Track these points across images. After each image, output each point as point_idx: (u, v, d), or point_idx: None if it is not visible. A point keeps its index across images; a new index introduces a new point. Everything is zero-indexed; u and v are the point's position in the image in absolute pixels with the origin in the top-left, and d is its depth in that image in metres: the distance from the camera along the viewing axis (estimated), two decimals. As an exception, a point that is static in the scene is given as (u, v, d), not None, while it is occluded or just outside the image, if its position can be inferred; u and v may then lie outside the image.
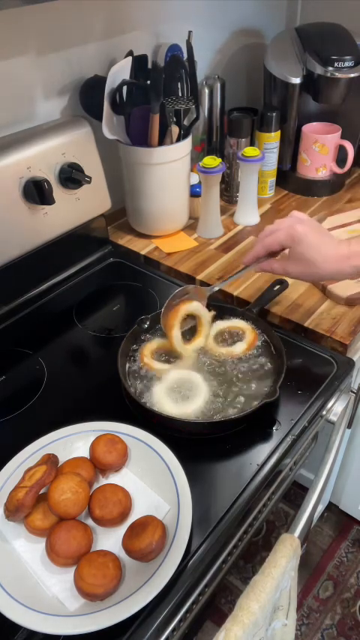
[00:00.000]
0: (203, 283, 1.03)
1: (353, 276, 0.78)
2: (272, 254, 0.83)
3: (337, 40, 1.16)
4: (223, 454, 0.73)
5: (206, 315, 0.87)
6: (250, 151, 1.09)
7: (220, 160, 1.05)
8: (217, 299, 0.99)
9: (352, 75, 1.13)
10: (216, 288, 0.89)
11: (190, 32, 1.03)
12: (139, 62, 1.02)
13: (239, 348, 0.84)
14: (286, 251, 0.82)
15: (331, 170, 1.27)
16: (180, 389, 0.79)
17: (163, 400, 0.77)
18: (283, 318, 0.93)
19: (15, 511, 0.61)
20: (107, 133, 0.99)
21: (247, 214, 1.19)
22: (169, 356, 0.85)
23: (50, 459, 0.66)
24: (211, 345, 0.86)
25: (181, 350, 0.83)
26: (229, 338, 0.87)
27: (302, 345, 0.88)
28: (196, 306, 0.86)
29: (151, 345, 0.86)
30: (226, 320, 0.89)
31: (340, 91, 1.17)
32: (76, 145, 0.97)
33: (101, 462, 0.68)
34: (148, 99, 0.97)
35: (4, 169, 0.87)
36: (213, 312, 0.88)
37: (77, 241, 1.07)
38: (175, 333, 0.83)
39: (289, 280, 0.97)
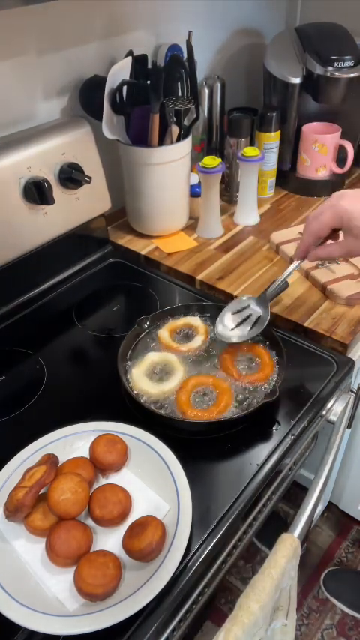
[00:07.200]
0: (203, 283, 1.03)
1: None
2: (324, 240, 0.77)
3: (337, 40, 1.16)
4: (223, 454, 0.73)
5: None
6: (250, 151, 1.09)
7: (220, 160, 1.05)
8: (220, 300, 0.99)
9: (352, 75, 1.13)
10: (271, 290, 0.85)
11: (190, 32, 1.03)
12: (139, 62, 1.01)
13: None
14: (340, 232, 0.76)
15: (331, 170, 1.27)
16: (157, 370, 0.81)
17: (141, 382, 0.78)
18: (283, 318, 0.93)
19: (15, 511, 0.61)
20: (107, 133, 0.99)
21: (247, 214, 1.19)
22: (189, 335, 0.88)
23: (50, 459, 0.66)
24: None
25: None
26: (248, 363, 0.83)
27: (302, 345, 0.88)
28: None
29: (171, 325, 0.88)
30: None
31: (340, 91, 1.17)
32: (76, 145, 0.97)
33: (101, 462, 0.68)
34: (148, 99, 0.97)
35: (4, 169, 0.87)
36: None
37: (77, 241, 1.07)
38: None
39: (289, 280, 0.97)
